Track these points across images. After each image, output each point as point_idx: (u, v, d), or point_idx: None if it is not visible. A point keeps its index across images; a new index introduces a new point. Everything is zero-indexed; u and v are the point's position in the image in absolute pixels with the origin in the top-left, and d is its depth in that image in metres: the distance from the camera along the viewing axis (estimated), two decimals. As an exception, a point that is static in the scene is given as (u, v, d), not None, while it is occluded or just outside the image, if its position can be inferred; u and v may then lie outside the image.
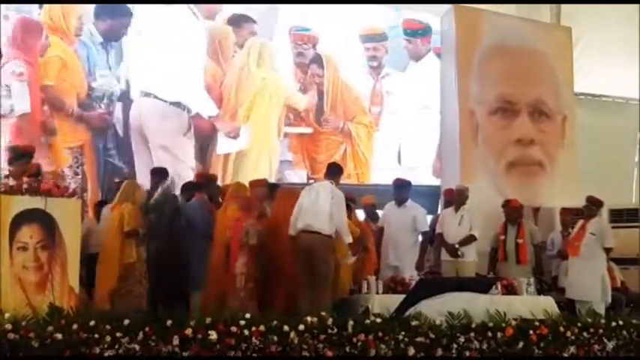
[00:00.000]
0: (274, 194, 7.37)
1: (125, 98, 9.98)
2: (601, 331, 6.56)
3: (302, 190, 7.04)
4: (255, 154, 10.60)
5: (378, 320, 5.88)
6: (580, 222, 8.11)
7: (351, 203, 7.69)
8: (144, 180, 7.98)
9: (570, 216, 8.88)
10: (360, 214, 8.46)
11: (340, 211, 6.79)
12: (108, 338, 5.09)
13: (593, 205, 8.02)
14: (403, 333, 5.82)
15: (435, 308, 6.16)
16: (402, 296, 6.49)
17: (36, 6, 9.59)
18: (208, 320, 5.39)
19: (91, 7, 9.83)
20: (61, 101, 9.55)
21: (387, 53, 11.61)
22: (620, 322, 6.72)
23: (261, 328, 5.46)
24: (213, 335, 5.31)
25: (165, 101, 10.08)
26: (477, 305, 6.34)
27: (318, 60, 11.21)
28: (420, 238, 8.28)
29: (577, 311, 7.48)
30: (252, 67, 10.69)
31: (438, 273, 8.19)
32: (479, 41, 10.30)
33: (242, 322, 5.44)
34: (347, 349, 5.63)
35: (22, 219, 5.40)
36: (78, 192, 7.70)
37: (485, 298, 6.65)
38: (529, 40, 10.69)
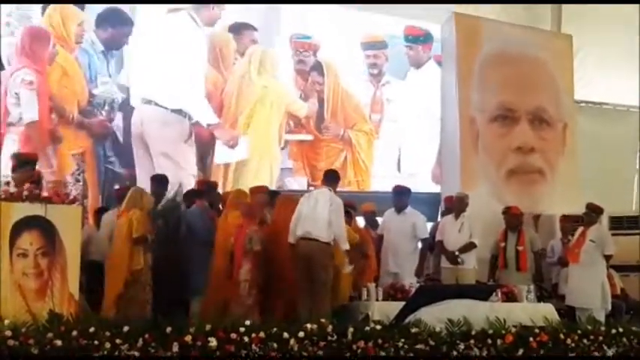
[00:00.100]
0: (274, 201, 7.39)
1: (126, 105, 9.99)
2: (601, 338, 6.58)
3: (301, 198, 7.04)
4: (256, 162, 10.58)
5: (378, 327, 5.90)
6: (580, 229, 8.10)
7: (351, 210, 7.70)
8: (144, 187, 7.97)
9: (570, 223, 8.89)
10: (361, 222, 8.46)
11: (339, 218, 6.79)
12: (107, 345, 5.10)
13: (593, 212, 8.02)
14: (403, 340, 5.83)
15: (435, 315, 6.18)
16: (402, 303, 6.50)
17: (37, 12, 9.59)
18: (208, 327, 5.39)
19: (92, 14, 9.83)
20: (61, 108, 9.54)
21: (388, 61, 11.61)
22: (620, 330, 6.74)
23: (261, 334, 5.47)
24: (212, 342, 5.32)
25: (167, 108, 10.07)
26: (477, 312, 6.36)
27: (318, 67, 11.20)
28: (420, 245, 8.28)
29: (577, 318, 7.47)
30: (253, 75, 10.68)
31: (438, 280, 8.18)
32: (479, 49, 10.32)
33: (242, 329, 5.45)
34: (347, 356, 5.63)
35: (22, 226, 5.42)
36: (79, 199, 7.72)
37: (486, 305, 6.66)
38: (529, 48, 10.70)
